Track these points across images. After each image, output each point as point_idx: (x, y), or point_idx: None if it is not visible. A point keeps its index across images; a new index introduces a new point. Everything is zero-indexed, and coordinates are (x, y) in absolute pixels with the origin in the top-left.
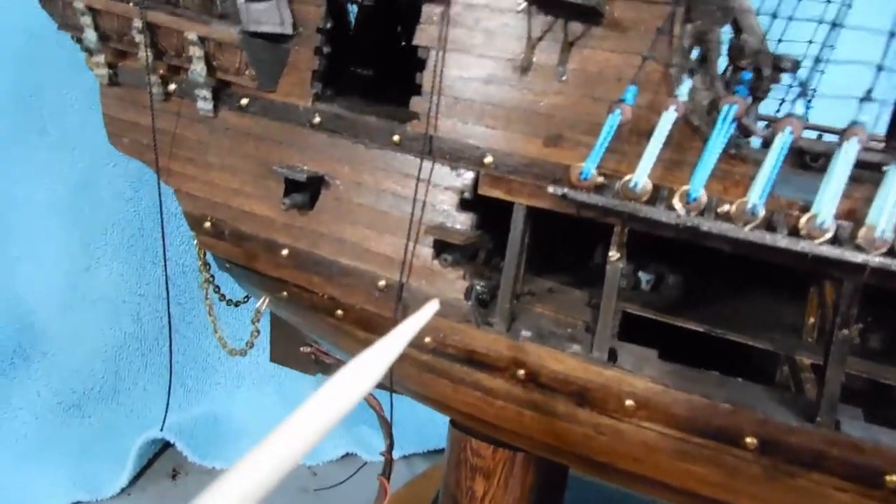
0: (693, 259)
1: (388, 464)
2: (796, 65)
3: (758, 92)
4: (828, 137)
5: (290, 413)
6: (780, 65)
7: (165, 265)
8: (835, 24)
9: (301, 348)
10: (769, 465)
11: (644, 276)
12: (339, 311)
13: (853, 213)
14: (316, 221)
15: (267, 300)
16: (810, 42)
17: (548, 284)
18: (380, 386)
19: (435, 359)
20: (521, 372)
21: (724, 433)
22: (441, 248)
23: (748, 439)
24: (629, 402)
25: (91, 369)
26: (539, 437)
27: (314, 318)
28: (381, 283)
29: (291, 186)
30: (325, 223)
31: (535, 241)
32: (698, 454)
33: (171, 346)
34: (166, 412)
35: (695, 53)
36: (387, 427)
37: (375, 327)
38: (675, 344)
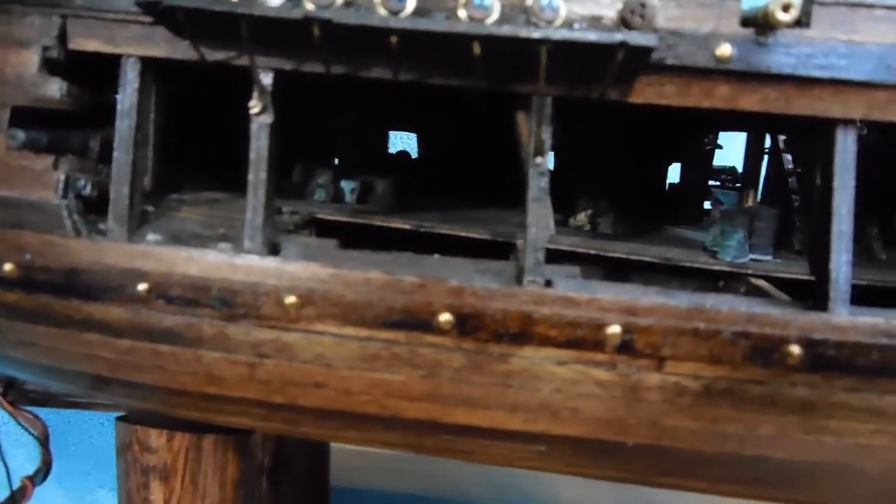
0: (402, 168)
1: (24, 490)
2: None
3: None
4: None
5: None
6: None
7: None
8: None
9: None
10: (473, 349)
11: (347, 185)
12: None
13: None
14: None
15: None
16: None
17: (213, 195)
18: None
19: (26, 295)
20: (143, 287)
21: (413, 316)
22: (15, 122)
23: (442, 317)
24: (291, 299)
25: None
26: (192, 387)
27: None
28: None
29: None
30: None
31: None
32: (390, 355)
33: None
34: None
35: None
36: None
37: None
38: None
